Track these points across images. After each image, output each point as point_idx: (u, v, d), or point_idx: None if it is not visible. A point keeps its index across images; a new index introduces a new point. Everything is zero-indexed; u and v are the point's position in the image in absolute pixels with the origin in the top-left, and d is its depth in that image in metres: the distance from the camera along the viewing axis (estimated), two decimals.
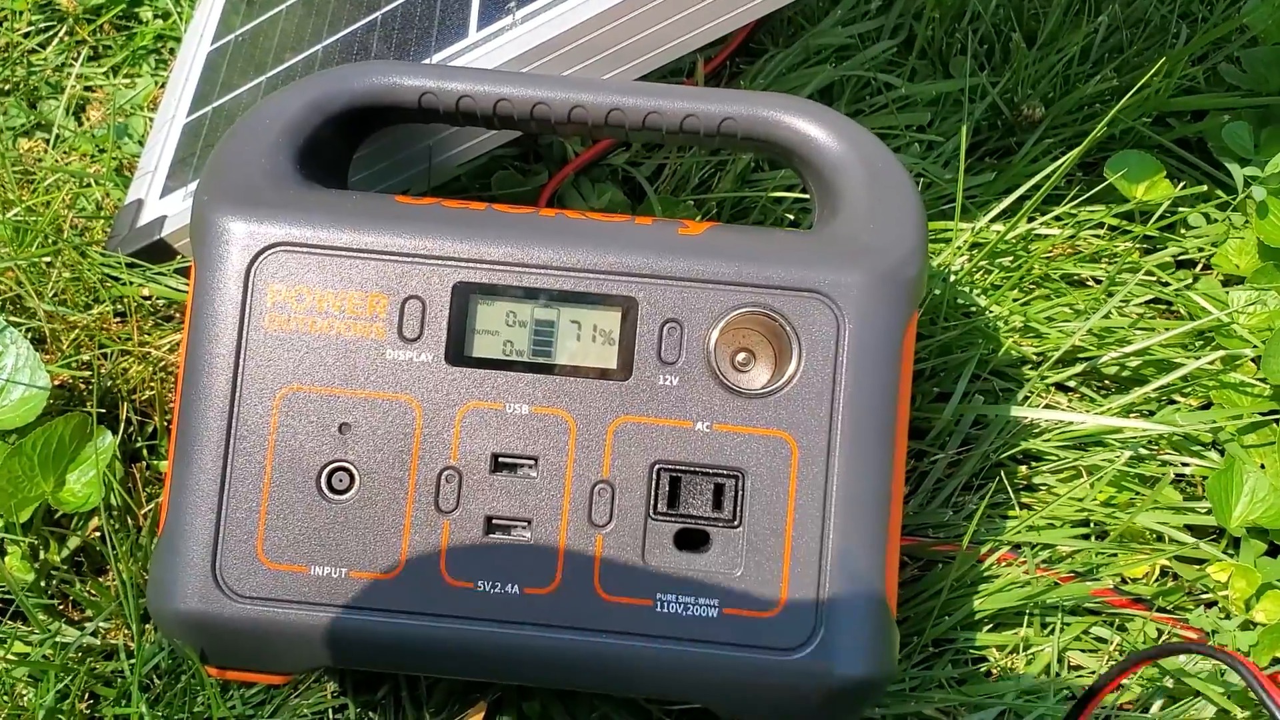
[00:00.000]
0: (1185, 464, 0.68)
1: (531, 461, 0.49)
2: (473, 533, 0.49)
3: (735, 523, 0.49)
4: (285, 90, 0.56)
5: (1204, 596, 0.64)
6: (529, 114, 0.56)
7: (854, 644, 0.48)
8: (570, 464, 0.49)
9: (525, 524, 0.49)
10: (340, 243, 0.49)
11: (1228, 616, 0.63)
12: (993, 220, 0.73)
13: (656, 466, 0.49)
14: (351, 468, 0.49)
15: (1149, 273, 0.74)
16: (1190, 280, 0.76)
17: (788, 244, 0.51)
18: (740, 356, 0.50)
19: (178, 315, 0.69)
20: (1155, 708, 0.60)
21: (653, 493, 0.49)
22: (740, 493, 0.49)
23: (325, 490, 0.49)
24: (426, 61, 0.65)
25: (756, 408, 0.49)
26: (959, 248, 0.72)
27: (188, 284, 0.54)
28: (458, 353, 0.49)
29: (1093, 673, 0.61)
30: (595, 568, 0.48)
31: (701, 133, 0.56)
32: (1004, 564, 0.62)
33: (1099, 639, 0.62)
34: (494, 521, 0.49)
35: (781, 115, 0.55)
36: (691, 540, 0.49)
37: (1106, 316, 0.71)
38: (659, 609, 0.48)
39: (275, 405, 0.49)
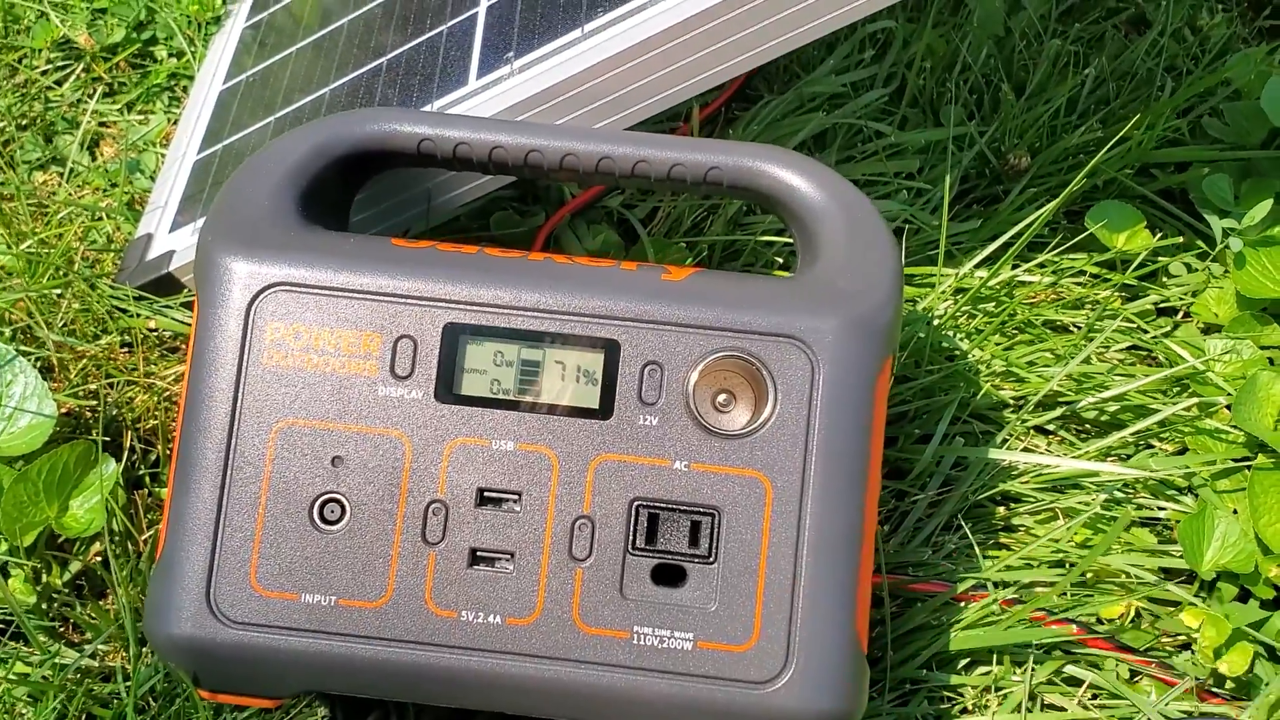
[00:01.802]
0: (1161, 508, 0.69)
1: (515, 496, 0.51)
2: (458, 564, 0.50)
3: (711, 559, 0.50)
4: (291, 134, 0.58)
5: (1179, 639, 0.66)
6: (523, 161, 0.58)
7: (824, 679, 0.50)
8: (552, 499, 0.51)
9: (508, 556, 0.51)
10: (337, 283, 0.52)
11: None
12: (976, 266, 0.75)
13: (636, 503, 0.51)
14: (343, 499, 0.51)
15: (1129, 320, 0.76)
16: (1170, 328, 0.77)
17: (766, 290, 0.53)
18: (722, 398, 0.52)
19: (183, 347, 0.71)
20: None
21: (632, 529, 0.51)
22: (716, 530, 0.51)
23: (317, 520, 0.51)
24: (427, 108, 0.67)
25: (733, 448, 0.51)
26: (943, 292, 0.73)
27: (192, 317, 0.56)
28: (447, 390, 0.51)
29: (1063, 710, 0.62)
30: (575, 600, 0.50)
31: (688, 181, 0.58)
32: (980, 603, 0.64)
33: (1072, 679, 0.63)
34: (478, 553, 0.51)
35: (765, 165, 0.57)
36: (668, 575, 0.51)
37: (1086, 361, 0.73)
38: (636, 641, 0.50)
39: (271, 438, 0.51)
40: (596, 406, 0.51)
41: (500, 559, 0.51)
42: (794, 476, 0.50)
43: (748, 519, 0.50)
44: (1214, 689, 0.63)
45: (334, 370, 0.51)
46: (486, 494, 0.51)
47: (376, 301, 0.52)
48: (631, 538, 0.51)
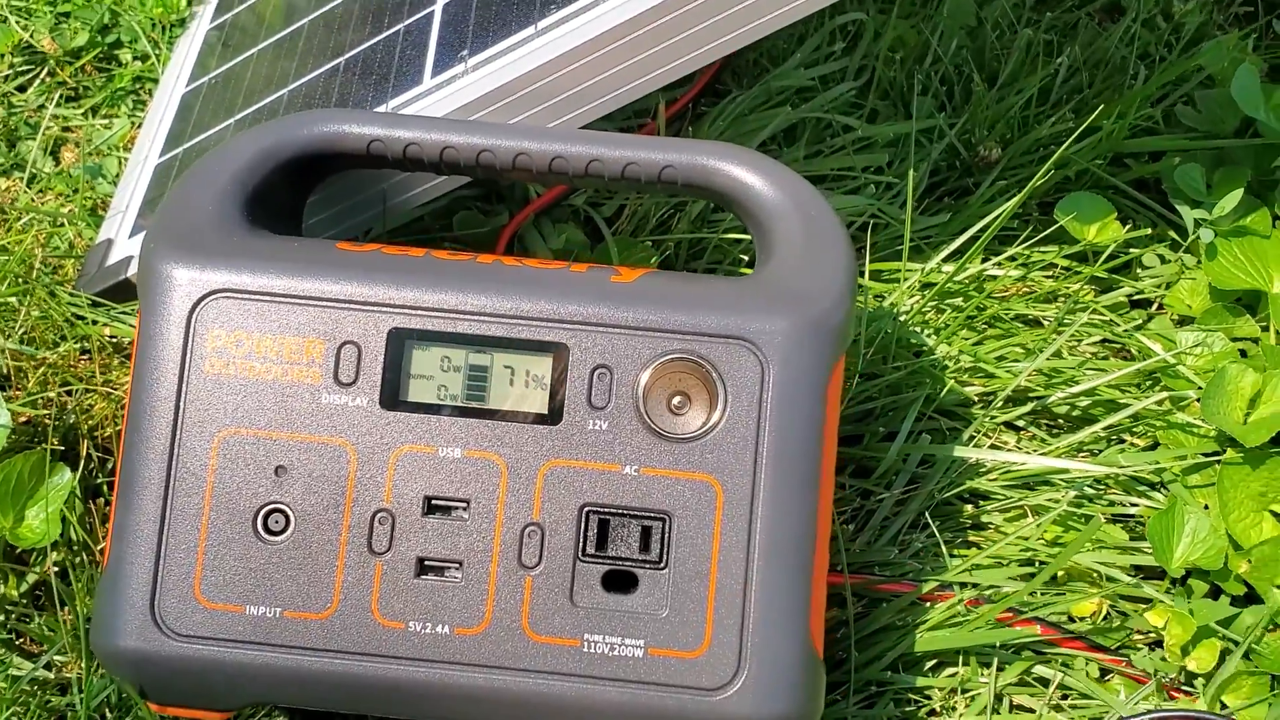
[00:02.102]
0: (1133, 504, 0.68)
1: (464, 504, 0.50)
2: (405, 574, 0.50)
3: (662, 564, 0.50)
4: (237, 138, 0.57)
5: (1151, 636, 0.65)
6: (475, 161, 0.57)
7: (778, 684, 0.49)
8: (501, 507, 0.50)
9: (456, 565, 0.50)
10: (278, 289, 0.51)
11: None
12: (944, 260, 0.74)
13: (585, 509, 0.50)
14: (287, 509, 0.50)
15: (1100, 313, 0.75)
16: (1144, 320, 0.76)
17: (716, 291, 0.52)
18: (676, 400, 0.51)
19: None
20: None
21: (582, 535, 0.50)
22: (667, 535, 0.50)
23: (261, 531, 0.50)
24: (381, 108, 0.66)
25: (683, 452, 0.50)
26: (910, 287, 0.73)
27: (135, 325, 0.55)
28: (392, 397, 0.51)
29: (1032, 711, 0.62)
30: (524, 609, 0.49)
31: (643, 180, 0.58)
32: (946, 603, 0.63)
33: (1041, 679, 0.63)
34: (426, 563, 0.50)
35: (719, 163, 0.57)
36: (619, 582, 0.50)
37: (1056, 356, 0.72)
38: (586, 649, 0.49)
39: (214, 448, 0.50)
40: (545, 411, 0.51)
41: (448, 568, 0.50)
42: (744, 480, 0.50)
43: (698, 523, 0.50)
44: (1186, 686, 0.63)
45: (276, 378, 0.50)
46: (434, 502, 0.50)
47: (319, 307, 0.51)
48: (581, 544, 0.50)
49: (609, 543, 0.50)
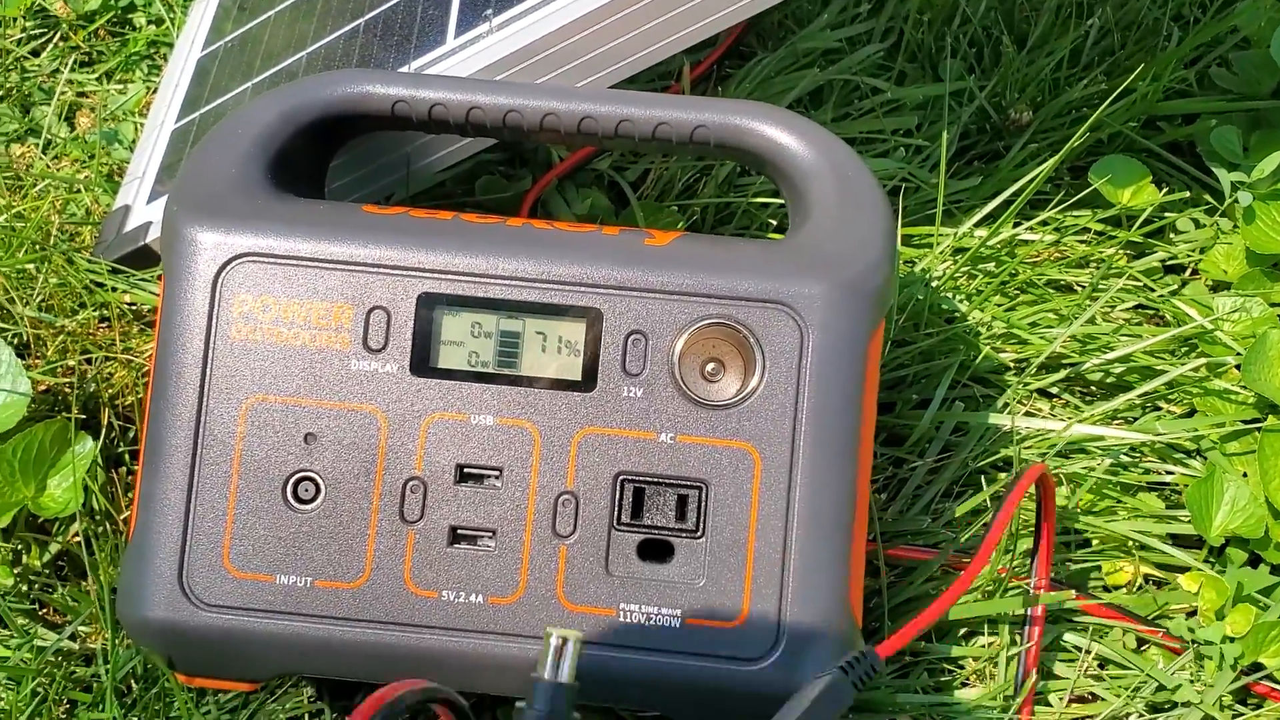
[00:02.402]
0: (1169, 472, 0.67)
1: (496, 472, 0.49)
2: (437, 543, 0.49)
3: (698, 534, 0.49)
4: (258, 100, 0.56)
5: (1186, 606, 0.64)
6: (501, 122, 0.56)
7: (816, 655, 0.48)
8: (535, 475, 0.49)
9: (490, 534, 0.49)
10: (306, 253, 0.50)
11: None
12: (976, 225, 0.73)
13: (620, 477, 0.49)
14: (317, 478, 0.49)
15: (1135, 278, 0.74)
16: (1178, 286, 0.75)
17: (753, 254, 0.51)
18: (710, 367, 0.50)
19: None
20: None
21: (616, 503, 0.49)
22: (703, 504, 0.49)
23: (291, 500, 0.49)
24: (404, 69, 0.65)
25: (720, 419, 0.49)
26: (942, 252, 0.71)
27: (158, 291, 0.54)
28: (422, 363, 0.50)
29: (1067, 679, 0.61)
30: (559, 578, 0.49)
31: (674, 140, 0.56)
32: (980, 572, 0.62)
33: (1075, 647, 0.62)
34: (459, 531, 0.49)
35: (753, 123, 0.55)
36: (655, 551, 0.49)
37: (1091, 322, 0.71)
38: (622, 618, 0.48)
39: (242, 415, 0.49)
40: (579, 378, 0.50)
41: (481, 537, 0.49)
42: (783, 447, 0.49)
43: (736, 492, 0.49)
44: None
45: (304, 344, 0.49)
46: (466, 470, 0.49)
47: (347, 271, 0.50)
48: (617, 513, 0.49)
49: (644, 511, 0.49)
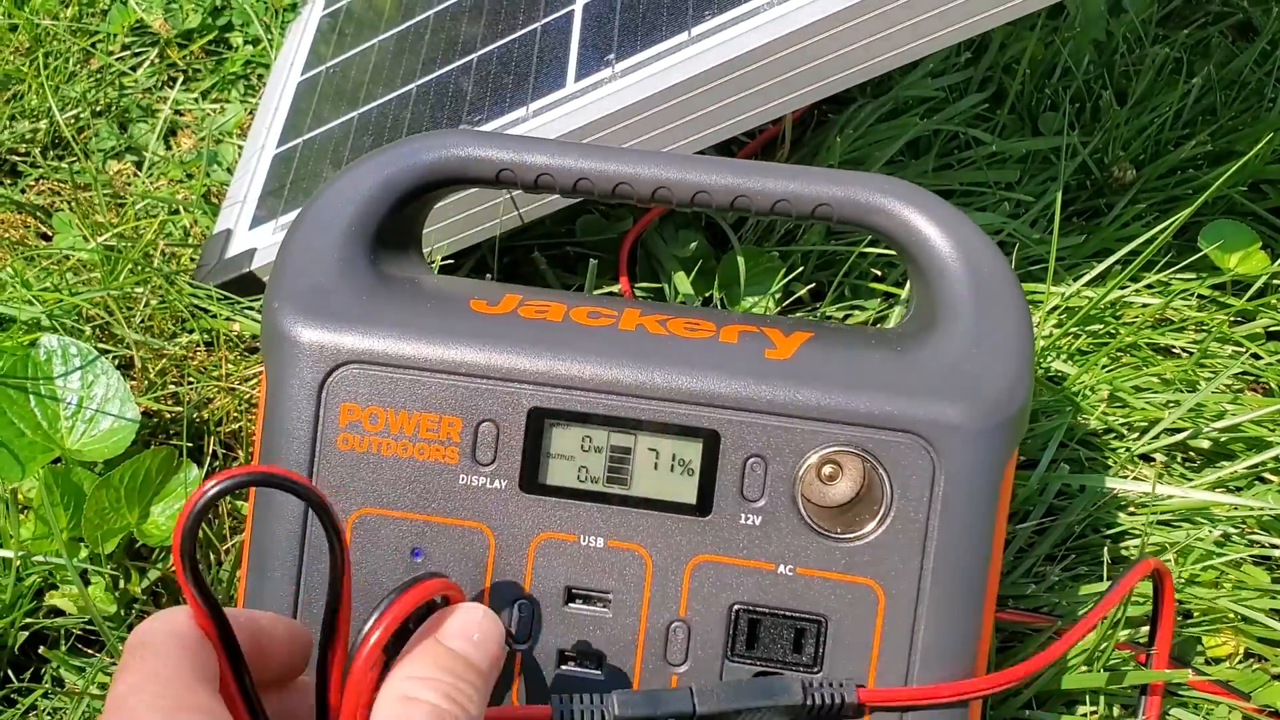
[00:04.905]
0: (1274, 545, 0.66)
1: (606, 596, 0.48)
2: (546, 665, 0.48)
3: (815, 668, 0.47)
4: (353, 170, 0.54)
5: None
6: (611, 191, 0.53)
7: None
8: (645, 601, 0.47)
9: (598, 659, 0.48)
10: (415, 359, 0.48)
11: None
12: (1086, 284, 0.72)
13: (735, 608, 0.47)
14: None
15: (1238, 344, 0.73)
16: None
17: (883, 369, 0.48)
18: (833, 495, 0.47)
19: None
20: None
21: (730, 635, 0.47)
22: (822, 638, 0.47)
23: None
24: (522, 109, 0.65)
25: (843, 552, 0.47)
26: (1049, 312, 0.71)
27: (260, 378, 0.53)
28: (531, 479, 0.48)
29: None
30: None
31: (794, 215, 0.53)
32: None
33: None
34: (566, 655, 0.48)
35: (882, 200, 0.52)
36: None
37: (1193, 387, 0.70)
38: None
39: (348, 528, 0.48)
40: (694, 502, 0.48)
41: (589, 661, 0.48)
42: (909, 584, 0.46)
43: (857, 628, 0.47)
44: None
45: (412, 456, 0.48)
46: (575, 592, 0.48)
47: (456, 380, 0.48)
48: (730, 644, 0.47)
49: (759, 643, 0.47)
